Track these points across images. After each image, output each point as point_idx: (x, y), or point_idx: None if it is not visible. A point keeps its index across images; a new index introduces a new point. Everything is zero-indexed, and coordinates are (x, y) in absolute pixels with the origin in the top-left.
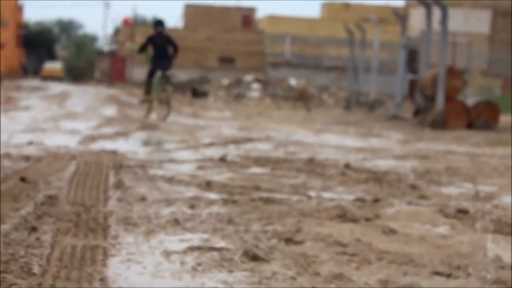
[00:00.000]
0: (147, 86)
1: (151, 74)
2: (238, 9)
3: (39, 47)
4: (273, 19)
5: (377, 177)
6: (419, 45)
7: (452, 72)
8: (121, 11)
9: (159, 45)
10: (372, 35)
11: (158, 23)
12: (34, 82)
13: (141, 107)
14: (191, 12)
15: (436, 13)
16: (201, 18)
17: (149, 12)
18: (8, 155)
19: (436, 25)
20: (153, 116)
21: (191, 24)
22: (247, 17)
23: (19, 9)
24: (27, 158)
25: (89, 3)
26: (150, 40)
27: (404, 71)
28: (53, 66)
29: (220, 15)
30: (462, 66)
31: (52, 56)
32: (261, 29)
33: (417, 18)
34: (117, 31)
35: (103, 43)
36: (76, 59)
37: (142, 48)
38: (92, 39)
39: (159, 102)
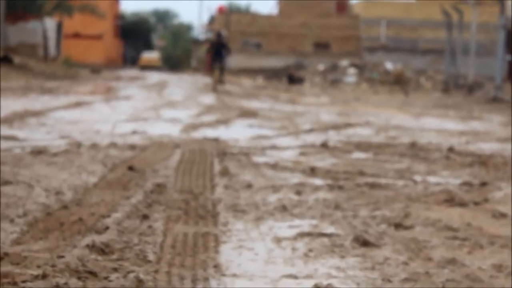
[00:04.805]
0: (212, 70)
1: (213, 65)
2: None
3: (136, 38)
4: (368, 3)
5: (482, 160)
6: None
7: None
8: (216, 0)
9: (217, 47)
10: (470, 17)
11: (218, 35)
12: (132, 72)
13: (234, 94)
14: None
15: None
16: (296, 4)
17: (244, 0)
18: (114, 145)
19: None
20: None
21: (286, 11)
22: (341, 2)
23: (116, 1)
24: (132, 147)
25: None
26: (213, 44)
27: (504, 52)
28: (151, 56)
29: (314, 1)
30: None
31: (149, 46)
32: (356, 13)
33: None
34: (212, 20)
35: (199, 32)
36: (172, 48)
37: (208, 50)
38: (188, 28)
39: (218, 79)
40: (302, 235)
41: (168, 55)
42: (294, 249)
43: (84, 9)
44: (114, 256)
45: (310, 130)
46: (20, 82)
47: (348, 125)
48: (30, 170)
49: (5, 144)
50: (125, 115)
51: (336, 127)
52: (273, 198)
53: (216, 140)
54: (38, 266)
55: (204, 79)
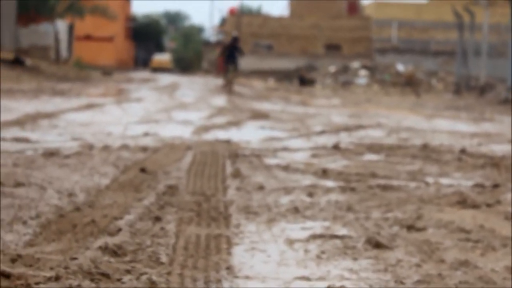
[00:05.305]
0: (226, 72)
1: (226, 66)
2: None
3: (148, 39)
4: (379, 5)
5: (495, 162)
6: None
7: None
8: (227, 2)
9: (230, 50)
10: (481, 18)
11: (234, 39)
12: (144, 74)
13: (245, 96)
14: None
15: None
16: (307, 6)
17: (255, 1)
18: (126, 147)
19: None
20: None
21: (297, 12)
22: (353, 4)
23: (127, 3)
24: (144, 149)
25: None
26: (226, 47)
27: None
28: (162, 58)
29: (325, 2)
30: None
31: (160, 48)
32: (367, 15)
33: None
34: (223, 22)
35: (210, 34)
36: (183, 50)
37: (221, 53)
38: (199, 30)
39: (230, 81)
40: (314, 237)
41: (179, 57)
42: (306, 251)
43: (96, 11)
44: (127, 258)
45: (322, 132)
46: (32, 84)
47: (359, 127)
48: (42, 172)
49: (17, 146)
50: (136, 117)
51: (347, 129)
52: (285, 200)
53: (227, 142)
54: (51, 268)
55: (215, 81)
